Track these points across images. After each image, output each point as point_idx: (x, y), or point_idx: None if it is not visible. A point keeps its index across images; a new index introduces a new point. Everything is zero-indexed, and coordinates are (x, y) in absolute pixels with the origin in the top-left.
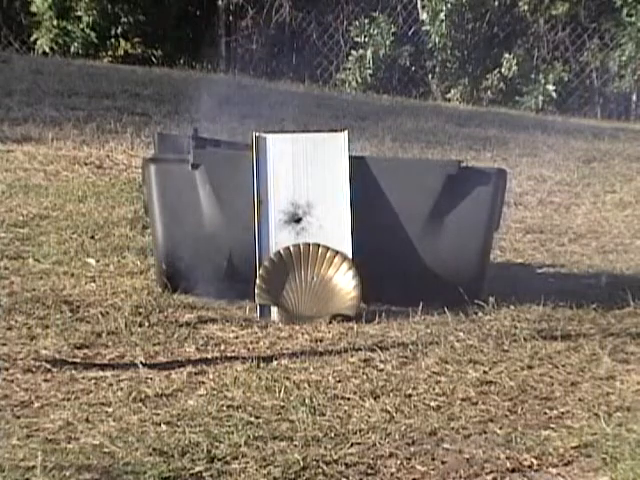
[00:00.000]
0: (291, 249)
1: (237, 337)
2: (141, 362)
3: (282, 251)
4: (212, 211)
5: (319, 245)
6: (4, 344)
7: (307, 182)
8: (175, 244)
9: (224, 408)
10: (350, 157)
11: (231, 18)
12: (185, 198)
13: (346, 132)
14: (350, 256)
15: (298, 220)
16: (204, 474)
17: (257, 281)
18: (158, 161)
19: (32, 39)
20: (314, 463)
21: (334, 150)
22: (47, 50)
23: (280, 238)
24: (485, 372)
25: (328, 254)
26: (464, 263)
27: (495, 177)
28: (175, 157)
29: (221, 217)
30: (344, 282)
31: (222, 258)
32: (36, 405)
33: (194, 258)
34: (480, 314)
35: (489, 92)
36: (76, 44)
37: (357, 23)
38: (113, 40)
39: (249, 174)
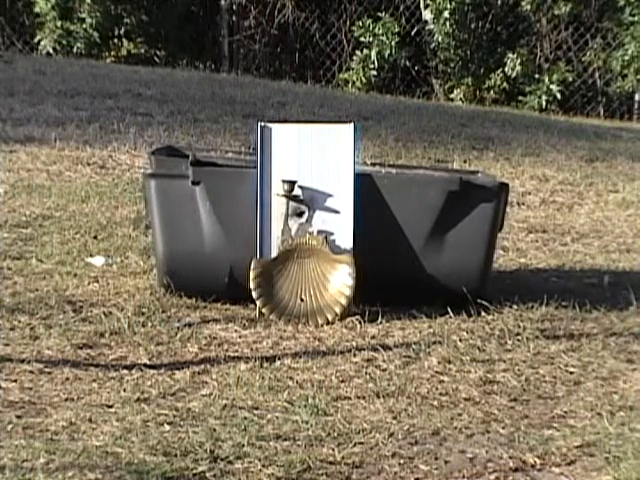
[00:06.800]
0: (292, 242)
1: (240, 337)
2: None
3: (283, 244)
4: (212, 228)
5: (320, 238)
6: (7, 344)
7: (311, 174)
8: (176, 259)
9: (227, 408)
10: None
11: (234, 18)
12: (186, 214)
13: (352, 124)
14: (351, 250)
15: (300, 213)
16: (207, 474)
17: (252, 275)
18: (158, 177)
19: (36, 40)
20: (317, 463)
21: (340, 142)
22: (51, 51)
23: (282, 230)
24: (488, 372)
25: (328, 248)
26: (465, 278)
27: (497, 192)
28: (175, 173)
29: (221, 234)
30: (339, 279)
31: (223, 274)
32: (39, 405)
33: (195, 274)
34: (483, 314)
35: (492, 92)
36: (79, 44)
37: (361, 23)
38: (116, 40)
39: (249, 191)
